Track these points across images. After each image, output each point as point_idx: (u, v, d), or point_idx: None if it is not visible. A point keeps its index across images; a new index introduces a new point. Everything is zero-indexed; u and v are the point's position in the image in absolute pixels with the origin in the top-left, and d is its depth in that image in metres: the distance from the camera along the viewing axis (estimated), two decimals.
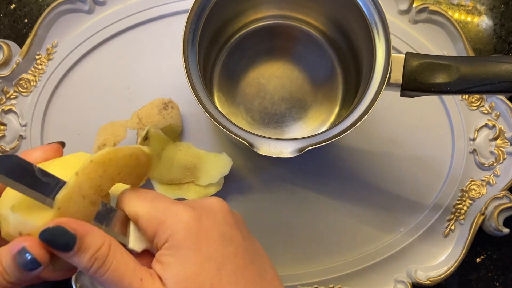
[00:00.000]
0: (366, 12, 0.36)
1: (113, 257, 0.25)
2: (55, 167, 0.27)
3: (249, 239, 0.29)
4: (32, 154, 0.28)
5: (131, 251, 0.27)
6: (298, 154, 0.33)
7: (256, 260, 0.28)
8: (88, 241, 0.24)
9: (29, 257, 0.23)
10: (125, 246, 0.27)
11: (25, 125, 0.44)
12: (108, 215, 0.27)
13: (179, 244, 0.25)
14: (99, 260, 0.24)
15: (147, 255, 0.28)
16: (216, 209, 0.28)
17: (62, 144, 0.31)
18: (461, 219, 0.44)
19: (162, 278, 0.25)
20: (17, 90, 0.45)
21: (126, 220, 0.28)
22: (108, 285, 0.24)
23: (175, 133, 0.44)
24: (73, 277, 0.42)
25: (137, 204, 0.27)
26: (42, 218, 0.25)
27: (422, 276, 0.42)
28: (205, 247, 0.25)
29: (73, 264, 0.25)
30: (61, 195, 0.24)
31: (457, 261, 0.42)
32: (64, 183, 0.25)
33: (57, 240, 0.24)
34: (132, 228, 0.28)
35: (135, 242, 0.27)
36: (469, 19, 0.48)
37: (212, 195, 0.42)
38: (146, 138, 0.41)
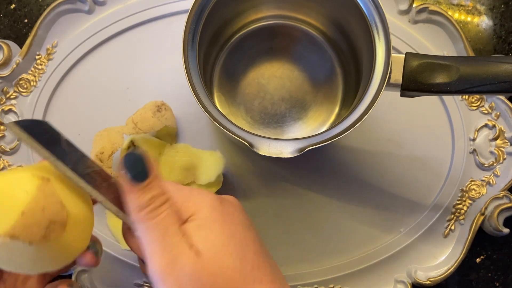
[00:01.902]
0: (366, 12, 0.36)
1: (168, 206, 0.25)
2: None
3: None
4: None
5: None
6: (298, 154, 0.33)
7: (269, 255, 0.28)
8: (155, 183, 0.25)
9: None
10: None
11: None
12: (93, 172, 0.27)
13: (205, 217, 0.26)
14: (157, 202, 0.25)
15: None
16: (234, 202, 0.29)
17: None
18: (461, 219, 0.44)
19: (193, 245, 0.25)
20: (17, 90, 0.45)
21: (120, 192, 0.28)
22: (151, 232, 0.25)
23: (171, 135, 0.44)
24: (73, 278, 0.42)
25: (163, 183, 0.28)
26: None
27: (422, 276, 0.42)
28: (229, 225, 0.26)
29: (128, 203, 0.26)
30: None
31: (457, 261, 0.42)
32: (87, 158, 0.26)
33: (135, 167, 0.25)
34: None
35: None
36: (469, 19, 0.48)
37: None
38: (134, 148, 0.40)
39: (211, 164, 0.42)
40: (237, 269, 0.25)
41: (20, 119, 0.44)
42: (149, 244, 0.25)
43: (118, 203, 0.26)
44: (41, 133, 0.25)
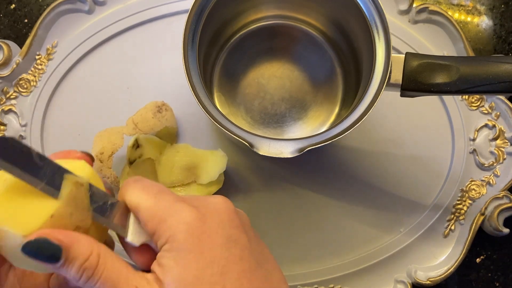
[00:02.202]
0: (366, 12, 0.36)
1: (103, 266, 0.24)
2: None
3: (256, 242, 0.28)
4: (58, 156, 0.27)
5: (130, 244, 0.27)
6: (298, 154, 0.33)
7: (263, 263, 0.27)
8: (75, 252, 0.23)
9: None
10: (123, 238, 0.27)
11: (25, 125, 0.44)
12: (108, 205, 0.26)
13: (180, 247, 0.24)
14: (88, 270, 0.23)
15: (146, 249, 0.27)
16: (222, 209, 0.27)
17: (91, 157, 0.29)
18: (461, 219, 0.44)
19: (162, 282, 0.24)
20: (17, 90, 0.45)
21: (127, 211, 0.27)
22: None
23: (172, 136, 0.44)
24: None
25: (140, 196, 0.26)
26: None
27: (422, 276, 0.42)
28: (208, 250, 0.24)
29: (62, 275, 0.24)
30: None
31: (457, 261, 0.42)
32: (64, 170, 0.25)
33: (42, 253, 0.22)
34: (132, 220, 0.27)
35: (134, 235, 0.27)
36: (469, 19, 0.48)
37: (214, 193, 0.42)
38: (137, 146, 0.41)
39: (213, 163, 0.42)
40: None
41: (20, 118, 0.44)
42: None
43: (103, 212, 0.26)
44: (8, 150, 0.24)
